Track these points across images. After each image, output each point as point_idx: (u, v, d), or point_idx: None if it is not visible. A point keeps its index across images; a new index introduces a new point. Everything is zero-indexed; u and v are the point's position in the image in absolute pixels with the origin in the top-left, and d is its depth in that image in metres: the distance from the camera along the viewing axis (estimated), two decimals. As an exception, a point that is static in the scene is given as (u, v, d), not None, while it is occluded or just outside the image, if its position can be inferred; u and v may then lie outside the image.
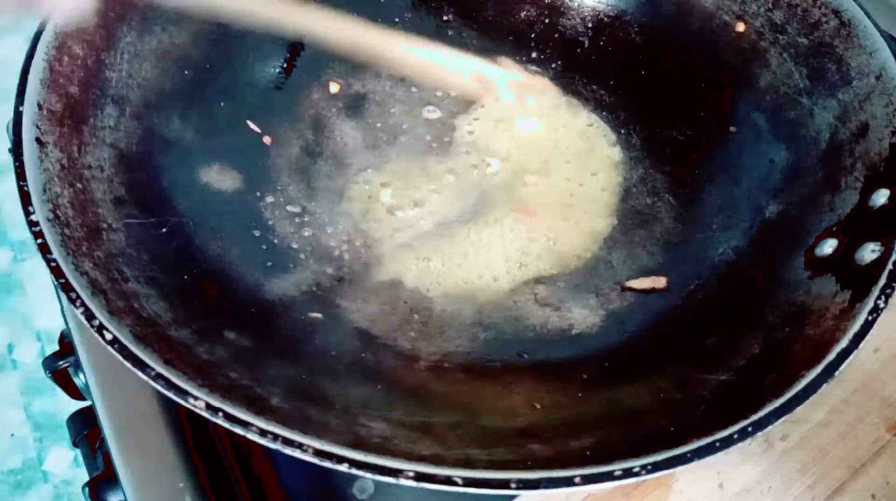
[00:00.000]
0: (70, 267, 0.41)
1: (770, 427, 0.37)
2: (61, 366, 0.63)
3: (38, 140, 0.46)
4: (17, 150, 0.45)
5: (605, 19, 0.67)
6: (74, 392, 0.65)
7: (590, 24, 0.67)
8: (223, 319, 0.48)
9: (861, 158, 0.49)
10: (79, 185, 0.47)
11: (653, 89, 0.63)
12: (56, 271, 0.41)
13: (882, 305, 0.41)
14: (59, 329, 0.63)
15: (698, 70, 0.62)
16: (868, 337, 0.40)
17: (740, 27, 0.59)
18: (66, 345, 0.63)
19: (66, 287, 0.41)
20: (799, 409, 0.38)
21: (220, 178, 0.58)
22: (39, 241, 0.42)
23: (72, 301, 0.40)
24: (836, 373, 0.39)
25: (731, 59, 0.60)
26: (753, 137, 0.58)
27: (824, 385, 0.39)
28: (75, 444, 0.60)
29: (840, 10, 0.53)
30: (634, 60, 0.65)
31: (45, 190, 0.45)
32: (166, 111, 0.57)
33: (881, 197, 0.46)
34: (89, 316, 0.40)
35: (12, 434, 1.28)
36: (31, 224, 0.42)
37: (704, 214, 0.58)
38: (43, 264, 0.51)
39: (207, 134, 0.59)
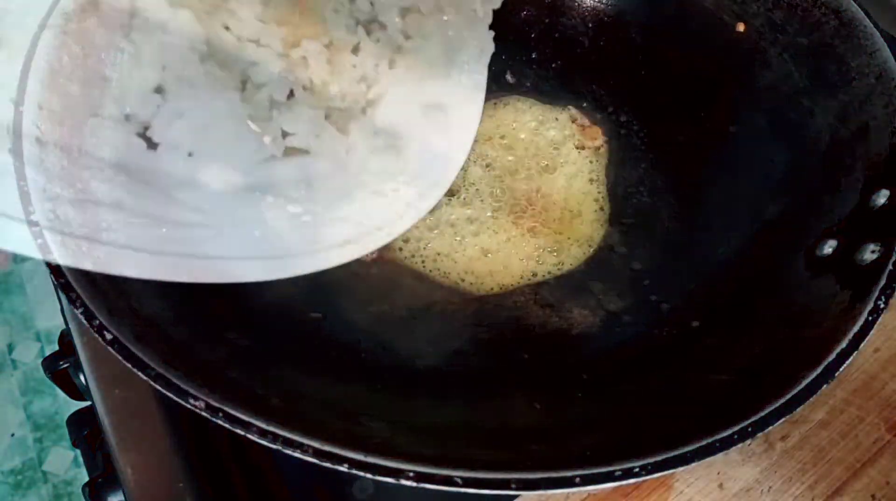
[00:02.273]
0: (70, 267, 0.41)
1: (770, 428, 0.37)
2: (61, 366, 0.62)
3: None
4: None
5: (606, 19, 0.67)
6: (74, 392, 0.64)
7: (590, 24, 0.67)
8: (223, 319, 0.48)
9: (861, 158, 0.48)
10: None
11: (653, 89, 0.63)
12: (56, 272, 0.41)
13: (882, 305, 0.41)
14: (59, 329, 0.63)
15: (698, 70, 0.62)
16: (868, 338, 0.40)
17: (740, 27, 0.59)
18: (66, 345, 0.63)
19: (66, 287, 0.41)
20: (799, 409, 0.38)
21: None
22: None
23: (72, 301, 0.40)
24: (836, 374, 0.39)
25: (731, 59, 0.60)
26: (754, 138, 0.58)
27: (824, 386, 0.39)
28: (75, 444, 0.60)
29: (840, 11, 0.53)
30: (635, 60, 0.65)
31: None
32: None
33: (881, 197, 0.45)
34: (89, 316, 0.40)
35: (12, 434, 1.28)
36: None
37: (705, 214, 0.58)
38: (43, 264, 0.51)
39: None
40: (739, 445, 0.37)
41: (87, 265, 0.42)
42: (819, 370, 0.39)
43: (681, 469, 0.36)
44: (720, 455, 0.37)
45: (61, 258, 0.42)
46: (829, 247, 0.46)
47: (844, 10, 0.53)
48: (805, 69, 0.55)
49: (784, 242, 0.50)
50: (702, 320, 0.50)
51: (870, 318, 0.41)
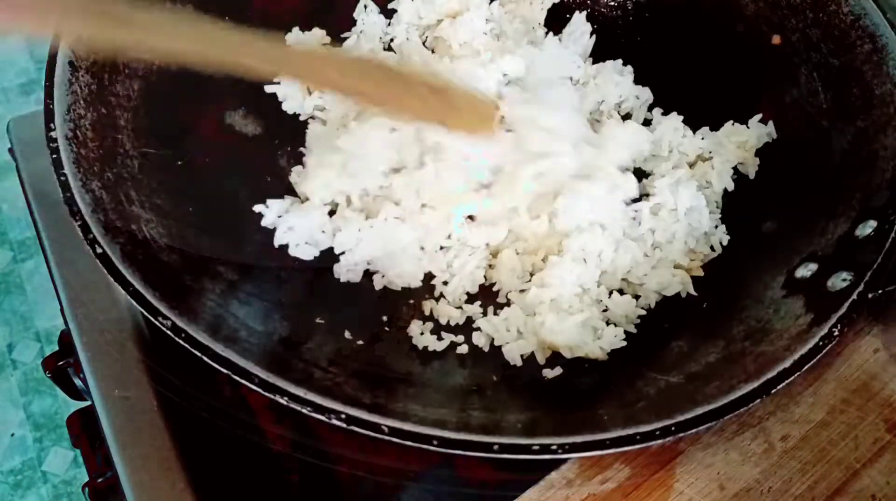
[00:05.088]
0: (77, 183, 0.44)
1: (692, 431, 0.39)
2: (61, 366, 0.63)
3: (70, 63, 0.48)
4: (49, 70, 0.47)
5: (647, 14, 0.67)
6: (74, 392, 0.65)
7: (629, 6, 0.67)
8: (218, 251, 0.50)
9: (863, 187, 0.48)
10: (103, 110, 0.49)
11: (683, 93, 0.62)
12: (64, 186, 0.43)
13: (836, 333, 0.41)
14: (59, 329, 0.63)
15: (729, 77, 0.61)
16: (867, 339, 0.40)
17: (776, 40, 0.58)
18: (66, 345, 0.63)
19: (69, 201, 0.43)
20: (726, 418, 0.39)
21: (243, 122, 0.60)
22: (54, 156, 0.44)
23: (72, 215, 0.42)
24: (773, 391, 0.40)
25: (763, 71, 0.59)
26: (771, 151, 0.57)
27: (758, 400, 0.40)
28: (75, 444, 0.60)
29: (876, 35, 0.52)
30: (668, 63, 0.64)
31: (69, 110, 0.46)
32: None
33: (868, 228, 0.46)
34: (85, 230, 0.42)
35: (12, 434, 1.28)
36: (50, 140, 0.45)
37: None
38: (43, 264, 0.51)
39: (239, 79, 0.59)
40: (660, 441, 0.38)
41: (95, 184, 0.45)
42: (756, 385, 0.40)
43: (598, 453, 0.38)
44: (720, 456, 0.37)
45: (71, 175, 0.44)
46: (808, 270, 0.47)
47: (881, 34, 0.52)
48: (831, 90, 0.54)
49: (771, 259, 0.50)
50: (673, 323, 0.51)
51: (821, 343, 0.41)
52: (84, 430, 0.60)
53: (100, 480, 0.55)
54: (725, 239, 0.55)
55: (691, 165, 0.59)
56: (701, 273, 0.54)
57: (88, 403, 0.55)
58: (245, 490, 0.51)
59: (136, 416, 0.50)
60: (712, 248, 0.55)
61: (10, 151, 0.64)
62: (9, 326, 1.40)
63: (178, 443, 0.49)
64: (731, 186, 0.57)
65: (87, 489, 0.55)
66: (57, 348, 0.65)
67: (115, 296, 0.54)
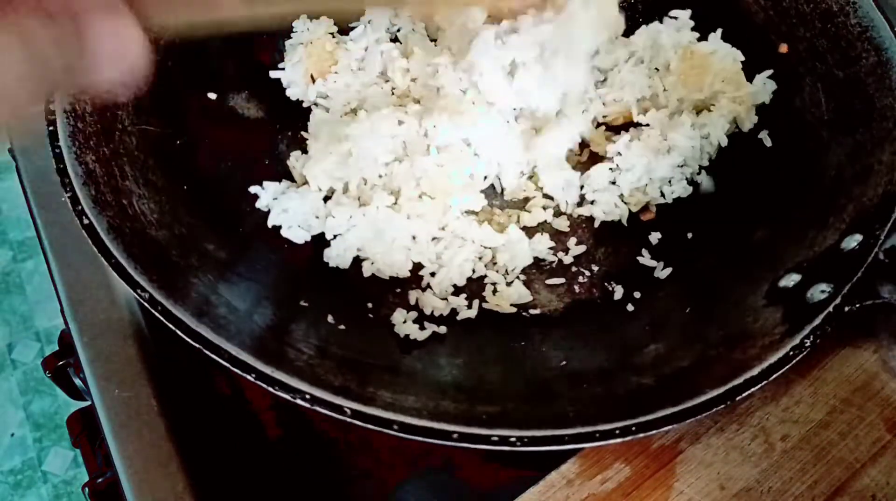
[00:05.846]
0: (71, 156, 0.45)
1: (653, 432, 0.39)
2: (61, 366, 0.63)
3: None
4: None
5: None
6: (74, 392, 0.65)
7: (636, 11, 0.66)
8: (208, 230, 0.50)
9: (855, 200, 0.48)
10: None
11: None
12: (57, 158, 0.44)
13: (808, 344, 0.41)
14: (59, 329, 0.63)
15: None
16: (867, 339, 0.40)
17: (783, 48, 0.58)
18: (66, 345, 0.63)
19: (61, 172, 0.44)
20: (688, 421, 0.40)
21: (246, 105, 0.61)
22: (50, 128, 0.45)
23: (63, 186, 0.43)
24: (738, 398, 0.40)
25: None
26: (768, 160, 0.57)
27: (721, 406, 0.40)
28: (75, 444, 0.60)
29: (882, 49, 0.52)
30: None
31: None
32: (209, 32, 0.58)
33: (853, 241, 0.46)
34: (74, 202, 0.43)
35: (12, 434, 1.28)
36: (48, 112, 0.45)
37: (696, 225, 0.57)
38: (43, 264, 0.51)
39: (245, 60, 0.61)
40: (618, 440, 0.39)
41: (90, 158, 0.45)
42: (721, 390, 0.41)
43: (557, 448, 0.39)
44: (721, 455, 0.37)
45: (65, 148, 0.45)
46: (791, 280, 0.47)
47: (886, 48, 0.52)
48: (833, 102, 0.54)
49: (758, 267, 0.50)
50: (654, 326, 0.51)
51: (791, 353, 0.41)
52: (84, 430, 0.60)
53: (100, 480, 0.55)
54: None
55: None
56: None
57: (88, 403, 0.55)
58: (245, 490, 0.51)
59: (136, 416, 0.50)
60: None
61: (10, 151, 0.65)
62: (9, 326, 1.40)
63: (178, 443, 0.49)
64: (724, 142, 0.58)
65: (87, 489, 0.55)
66: (57, 348, 0.65)
67: (115, 296, 0.54)
